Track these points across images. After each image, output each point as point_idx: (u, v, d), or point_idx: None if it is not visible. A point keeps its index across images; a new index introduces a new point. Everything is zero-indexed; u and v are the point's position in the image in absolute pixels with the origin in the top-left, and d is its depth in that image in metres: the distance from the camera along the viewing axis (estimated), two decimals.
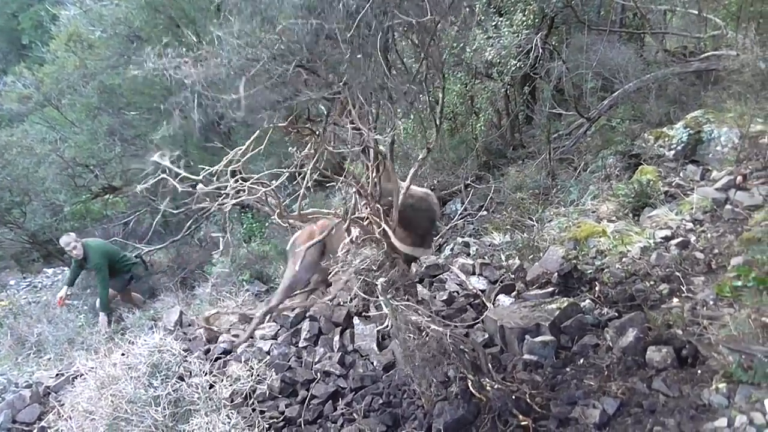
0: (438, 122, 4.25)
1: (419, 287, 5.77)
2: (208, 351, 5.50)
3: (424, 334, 3.73)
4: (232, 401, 4.18)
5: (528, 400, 3.88)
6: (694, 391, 3.75)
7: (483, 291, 5.75)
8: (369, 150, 3.83)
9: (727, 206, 5.82)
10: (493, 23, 8.33)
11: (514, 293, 5.56)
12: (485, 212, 8.42)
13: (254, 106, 3.16)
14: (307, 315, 5.71)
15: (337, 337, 5.23)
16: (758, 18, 8.80)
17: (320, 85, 3.28)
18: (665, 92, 8.99)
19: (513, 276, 5.95)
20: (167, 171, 3.83)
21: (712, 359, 3.92)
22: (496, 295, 5.56)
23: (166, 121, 3.18)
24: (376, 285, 3.82)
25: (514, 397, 3.88)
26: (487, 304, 5.48)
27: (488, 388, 3.82)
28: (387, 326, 3.85)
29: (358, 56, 3.11)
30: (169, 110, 3.10)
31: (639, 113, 8.76)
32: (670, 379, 3.92)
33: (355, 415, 4.40)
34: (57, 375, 5.55)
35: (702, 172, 6.77)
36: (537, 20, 8.82)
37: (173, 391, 3.54)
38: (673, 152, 7.24)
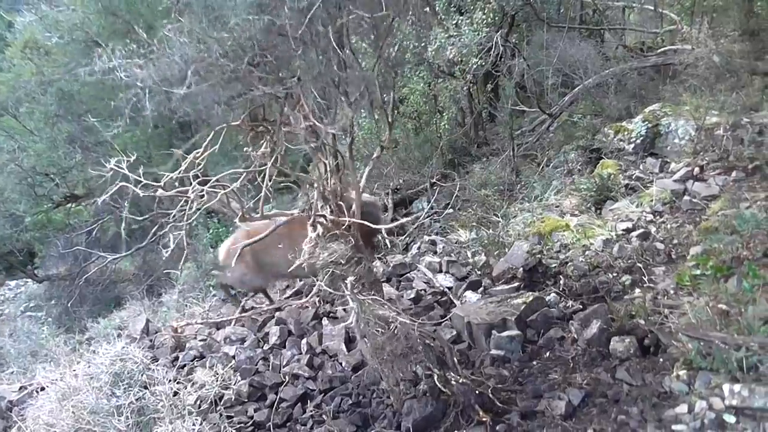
0: (390, 120, 4.24)
1: (386, 287, 5.78)
2: (176, 359, 5.44)
3: (391, 328, 3.73)
4: (199, 408, 4.13)
5: (490, 395, 3.90)
6: (656, 379, 3.84)
7: (450, 288, 5.79)
8: (326, 147, 3.82)
9: (686, 197, 5.95)
10: (454, 22, 8.36)
11: (481, 289, 5.61)
12: (451, 210, 8.46)
13: (207, 102, 3.13)
14: (275, 318, 5.68)
15: (305, 340, 5.21)
16: (711, 12, 9.02)
17: (273, 81, 3.26)
18: (624, 87, 9.13)
19: (479, 272, 6.01)
20: (128, 178, 3.78)
21: (672, 347, 4.00)
22: (463, 292, 5.60)
23: (119, 121, 3.12)
24: (343, 282, 3.81)
25: (477, 392, 3.90)
26: (455, 300, 5.52)
27: (453, 382, 3.84)
28: (354, 323, 3.84)
29: (310, 52, 3.10)
30: (120, 108, 3.05)
31: (599, 108, 8.89)
32: (633, 369, 4.00)
33: (324, 416, 4.38)
34: (20, 389, 5.42)
35: (661, 164, 6.91)
36: (497, 18, 8.88)
37: (136, 400, 3.49)
38: (632, 146, 7.36)
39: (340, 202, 3.98)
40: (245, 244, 4.31)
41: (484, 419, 3.79)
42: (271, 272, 5.69)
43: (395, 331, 3.78)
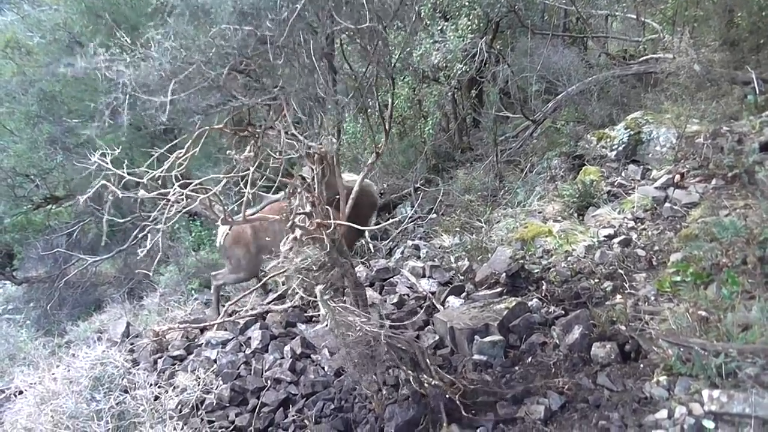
0: (387, 127, 4.24)
1: (370, 291, 5.78)
2: (156, 362, 5.40)
3: (361, 334, 3.72)
4: (180, 412, 4.10)
5: (461, 399, 3.90)
6: (637, 385, 3.86)
7: (433, 293, 5.80)
8: (311, 154, 3.81)
9: (667, 204, 6.01)
10: (439, 28, 8.39)
11: (464, 294, 5.62)
12: (435, 215, 8.49)
13: (187, 109, 3.11)
14: (258, 322, 5.66)
15: (287, 346, 5.19)
16: (692, 22, 9.14)
17: (256, 90, 3.25)
18: (607, 94, 9.23)
19: (462, 277, 6.02)
20: (110, 178, 3.75)
21: (653, 353, 4.04)
22: (446, 297, 5.60)
23: (97, 122, 3.09)
24: (316, 287, 3.80)
25: (447, 396, 3.90)
26: (437, 305, 5.52)
27: (426, 384, 3.84)
28: (330, 329, 3.82)
29: (293, 62, 3.10)
30: (101, 111, 3.02)
31: (582, 115, 8.96)
32: (614, 374, 4.02)
33: (306, 421, 4.37)
34: None
35: (642, 171, 6.97)
36: (482, 25, 8.93)
37: (116, 404, 3.45)
38: (614, 153, 7.43)
39: (326, 206, 3.97)
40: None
41: (460, 418, 3.79)
42: (265, 257, 5.81)
43: (365, 335, 3.76)
